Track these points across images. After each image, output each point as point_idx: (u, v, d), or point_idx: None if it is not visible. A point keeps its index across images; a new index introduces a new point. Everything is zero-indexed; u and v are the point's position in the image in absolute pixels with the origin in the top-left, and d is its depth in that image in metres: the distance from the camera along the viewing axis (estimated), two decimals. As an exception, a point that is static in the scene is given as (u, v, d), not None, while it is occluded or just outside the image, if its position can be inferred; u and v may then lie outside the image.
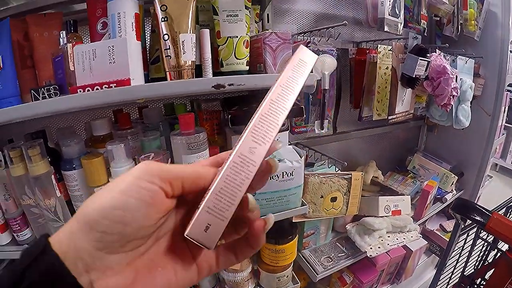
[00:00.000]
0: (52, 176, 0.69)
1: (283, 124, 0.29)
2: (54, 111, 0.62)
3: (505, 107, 1.57)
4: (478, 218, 0.84)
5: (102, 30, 0.74)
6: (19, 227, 0.73)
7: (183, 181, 0.24)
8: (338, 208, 1.03)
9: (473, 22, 1.41)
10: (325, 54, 0.85)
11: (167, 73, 0.66)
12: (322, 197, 0.99)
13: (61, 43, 0.73)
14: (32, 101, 0.66)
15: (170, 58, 0.65)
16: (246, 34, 0.71)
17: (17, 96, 0.76)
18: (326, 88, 0.83)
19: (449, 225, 1.68)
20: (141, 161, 0.63)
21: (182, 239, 0.23)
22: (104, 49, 0.63)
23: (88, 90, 0.64)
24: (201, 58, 0.69)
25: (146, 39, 0.80)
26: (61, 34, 0.74)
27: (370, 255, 1.09)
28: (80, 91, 0.65)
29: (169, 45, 0.65)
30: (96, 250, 0.20)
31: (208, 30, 0.68)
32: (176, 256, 0.25)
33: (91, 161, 0.67)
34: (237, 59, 0.70)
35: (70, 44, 0.69)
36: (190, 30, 0.65)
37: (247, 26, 0.71)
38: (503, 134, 1.82)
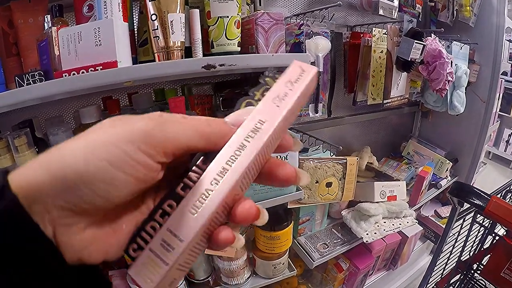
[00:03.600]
0: (40, 166, 0.67)
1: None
2: (38, 97, 0.60)
3: (499, 95, 1.56)
4: (477, 201, 0.83)
5: (88, 12, 0.72)
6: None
7: (188, 150, 0.20)
8: (334, 194, 1.02)
9: (468, 8, 1.39)
10: (318, 36, 0.83)
11: (156, 54, 0.64)
12: (317, 182, 0.98)
13: (46, 28, 0.70)
14: (17, 88, 0.64)
15: (159, 39, 0.63)
16: (238, 14, 0.68)
17: (2, 85, 0.74)
18: (320, 70, 0.81)
19: (444, 211, 1.68)
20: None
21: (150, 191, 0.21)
22: (90, 31, 0.61)
23: (74, 74, 0.62)
24: (191, 39, 0.67)
25: (134, 22, 0.77)
26: (46, 19, 0.72)
27: (366, 241, 1.09)
28: (65, 75, 0.63)
29: (157, 26, 0.63)
30: (63, 209, 0.17)
31: (197, 10, 0.66)
32: (141, 209, 0.22)
33: (78, 149, 0.65)
34: (228, 39, 0.68)
35: (55, 28, 0.66)
36: (178, 10, 0.63)
37: (238, 5, 0.68)
38: (497, 121, 1.82)
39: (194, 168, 0.21)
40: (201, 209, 0.19)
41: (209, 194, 0.20)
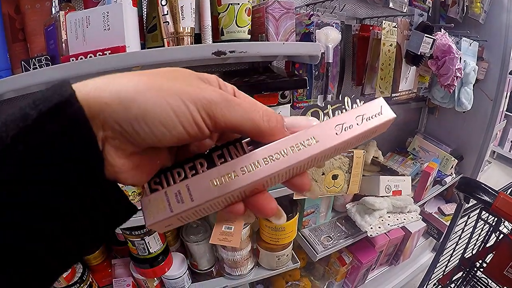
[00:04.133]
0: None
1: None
2: (44, 82, 0.60)
3: (507, 93, 1.55)
4: (484, 197, 0.82)
5: (97, -2, 0.71)
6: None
7: (238, 132, 0.22)
8: (339, 186, 1.02)
9: (478, 4, 1.38)
10: (329, 27, 0.82)
11: (165, 40, 0.63)
12: (323, 174, 0.97)
13: (53, 12, 0.69)
14: (23, 72, 0.64)
15: (168, 24, 0.62)
16: (248, 1, 0.68)
17: (8, 70, 0.74)
18: (330, 61, 0.80)
19: (448, 208, 1.68)
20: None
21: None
22: (99, 15, 0.61)
23: (81, 59, 0.61)
24: (201, 26, 0.66)
25: (143, 7, 0.76)
26: (54, 3, 0.71)
27: (370, 235, 1.09)
28: (72, 60, 0.62)
29: (167, 11, 0.62)
30: (118, 133, 0.19)
31: (208, -4, 0.65)
32: (175, 153, 0.25)
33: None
34: (239, 27, 0.67)
35: (63, 12, 0.66)
36: (189, -5, 0.62)
37: (249, -8, 0.67)
38: (504, 120, 1.81)
39: (237, 144, 0.23)
40: (222, 185, 0.21)
41: (234, 178, 0.21)
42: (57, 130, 0.17)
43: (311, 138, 0.22)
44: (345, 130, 0.22)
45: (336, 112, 0.24)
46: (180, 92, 0.19)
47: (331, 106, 0.25)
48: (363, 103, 0.24)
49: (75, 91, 0.17)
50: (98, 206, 0.20)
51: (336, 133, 0.22)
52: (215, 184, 0.21)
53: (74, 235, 0.19)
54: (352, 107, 0.25)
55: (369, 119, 0.23)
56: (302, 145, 0.22)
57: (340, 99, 0.25)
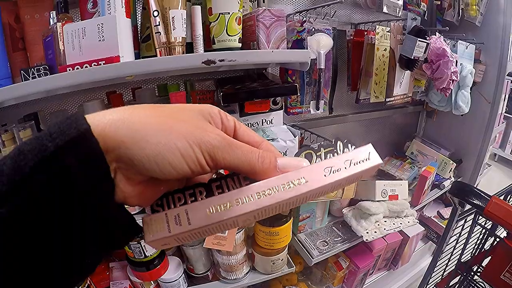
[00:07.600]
0: (44, 158, 0.68)
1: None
2: (43, 90, 0.62)
3: (505, 95, 1.54)
4: (476, 201, 0.82)
5: (93, 9, 0.73)
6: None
7: (235, 170, 0.24)
8: (334, 192, 1.02)
9: (474, 7, 1.38)
10: (320, 33, 0.83)
11: (157, 50, 0.65)
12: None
13: (51, 23, 0.72)
14: (22, 81, 0.66)
15: (160, 34, 0.64)
16: (239, 10, 0.69)
17: (9, 78, 0.76)
18: (322, 67, 0.81)
19: (447, 212, 1.67)
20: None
21: None
22: (94, 27, 0.63)
23: (78, 69, 0.63)
24: (192, 35, 0.67)
25: (137, 18, 0.78)
26: (51, 15, 0.73)
27: (366, 240, 1.09)
28: (69, 69, 0.64)
29: (159, 22, 0.64)
30: (129, 165, 0.21)
31: (199, 6, 0.67)
32: (179, 181, 0.27)
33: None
34: (229, 35, 0.68)
35: (60, 23, 0.68)
36: (180, 6, 0.64)
37: (239, 2, 0.69)
38: (503, 123, 1.80)
39: (234, 177, 0.26)
40: (217, 213, 0.23)
41: (228, 208, 0.23)
42: (74, 163, 0.18)
43: (301, 178, 0.24)
44: (333, 173, 0.24)
45: (328, 155, 0.27)
46: (187, 135, 0.22)
47: (324, 149, 0.27)
48: (354, 148, 0.26)
49: (90, 125, 0.19)
50: (102, 218, 0.21)
51: (325, 175, 0.24)
52: (211, 211, 0.23)
53: (74, 235, 0.20)
54: (343, 151, 0.27)
55: (356, 164, 0.25)
56: (293, 183, 0.24)
57: (333, 142, 0.27)
